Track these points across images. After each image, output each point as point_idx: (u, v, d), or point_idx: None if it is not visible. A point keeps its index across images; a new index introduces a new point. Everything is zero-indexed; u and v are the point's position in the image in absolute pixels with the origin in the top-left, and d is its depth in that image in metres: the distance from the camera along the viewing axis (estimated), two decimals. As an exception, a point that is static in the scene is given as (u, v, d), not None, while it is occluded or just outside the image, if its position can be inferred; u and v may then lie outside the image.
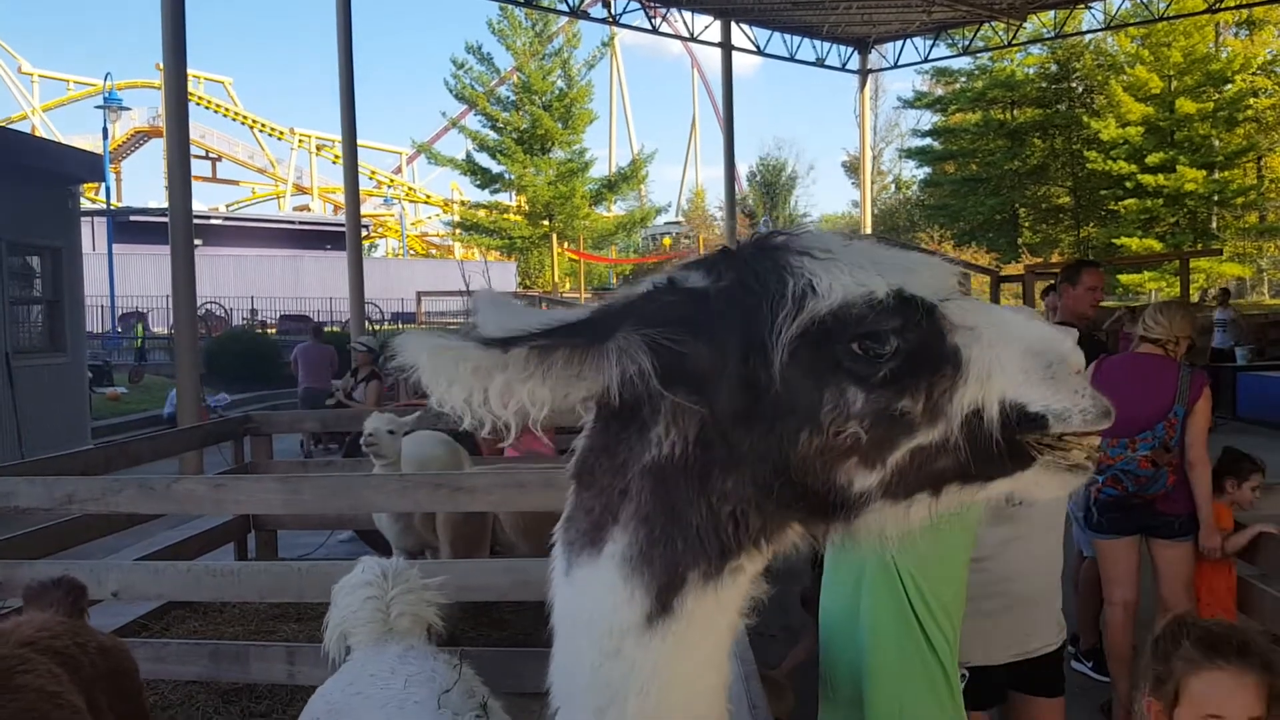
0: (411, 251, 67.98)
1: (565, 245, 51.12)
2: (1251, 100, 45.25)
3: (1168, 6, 28.60)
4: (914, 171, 62.38)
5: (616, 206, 63.26)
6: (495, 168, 52.08)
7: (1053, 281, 10.51)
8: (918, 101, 55.29)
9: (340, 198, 43.10)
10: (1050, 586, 3.77)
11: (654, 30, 28.01)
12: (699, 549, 1.18)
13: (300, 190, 69.02)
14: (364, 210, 42.66)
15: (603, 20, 29.37)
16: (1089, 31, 40.25)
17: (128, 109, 52.05)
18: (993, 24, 29.88)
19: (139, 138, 61.60)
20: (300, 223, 61.69)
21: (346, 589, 3.05)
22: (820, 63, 30.99)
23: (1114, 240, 45.29)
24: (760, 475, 1.18)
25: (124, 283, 40.36)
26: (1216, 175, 45.20)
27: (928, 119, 56.54)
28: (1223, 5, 28.67)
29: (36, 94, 62.81)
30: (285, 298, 46.27)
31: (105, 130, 42.82)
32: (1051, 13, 28.85)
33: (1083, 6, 29.23)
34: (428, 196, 71.10)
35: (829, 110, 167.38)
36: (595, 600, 1.20)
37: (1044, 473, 1.22)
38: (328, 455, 13.29)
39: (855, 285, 1.16)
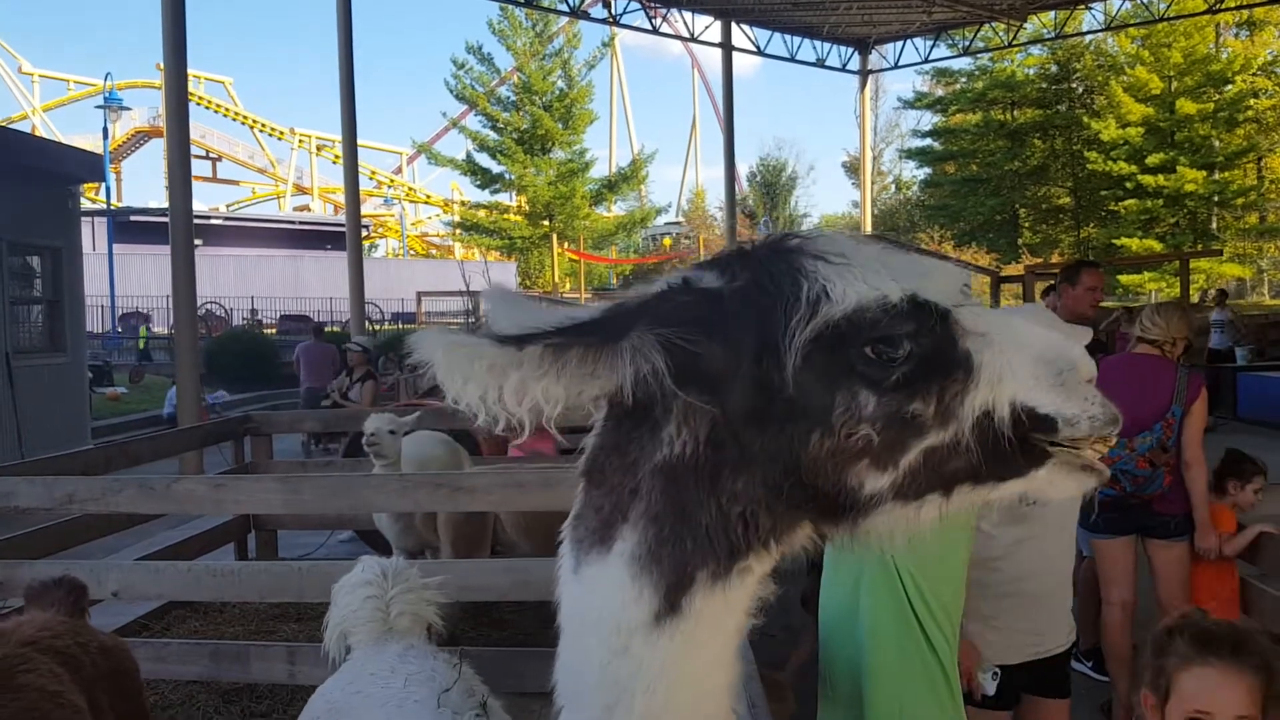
0: (412, 252, 68.01)
1: (565, 245, 51.12)
2: (1252, 101, 45.26)
3: (1168, 7, 28.62)
4: (914, 172, 62.47)
5: (617, 207, 63.28)
6: (495, 168, 52.10)
7: (1052, 282, 10.50)
8: (918, 102, 55.29)
9: (340, 198, 43.12)
10: (1062, 586, 3.79)
11: (654, 30, 28.02)
12: (708, 549, 1.19)
13: (300, 190, 69.04)
14: (364, 210, 42.67)
15: (603, 20, 29.40)
16: (1089, 32, 40.28)
17: (128, 109, 52.09)
18: (993, 25, 29.91)
19: (139, 138, 61.63)
20: (300, 223, 61.71)
21: (346, 588, 3.05)
22: (820, 63, 31.01)
23: (1114, 241, 45.29)
24: (771, 476, 1.19)
25: (124, 283, 40.40)
26: (1217, 176, 45.20)
27: (928, 119, 56.60)
28: (1223, 6, 28.67)
29: (37, 94, 62.86)
30: (285, 298, 46.29)
31: (105, 130, 42.86)
32: (1052, 13, 28.86)
33: (1083, 7, 29.26)
34: (428, 197, 71.12)
35: (829, 111, 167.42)
36: (604, 598, 1.20)
37: (1058, 472, 1.23)
38: (327, 455, 13.31)
39: (869, 290, 1.17)
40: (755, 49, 29.52)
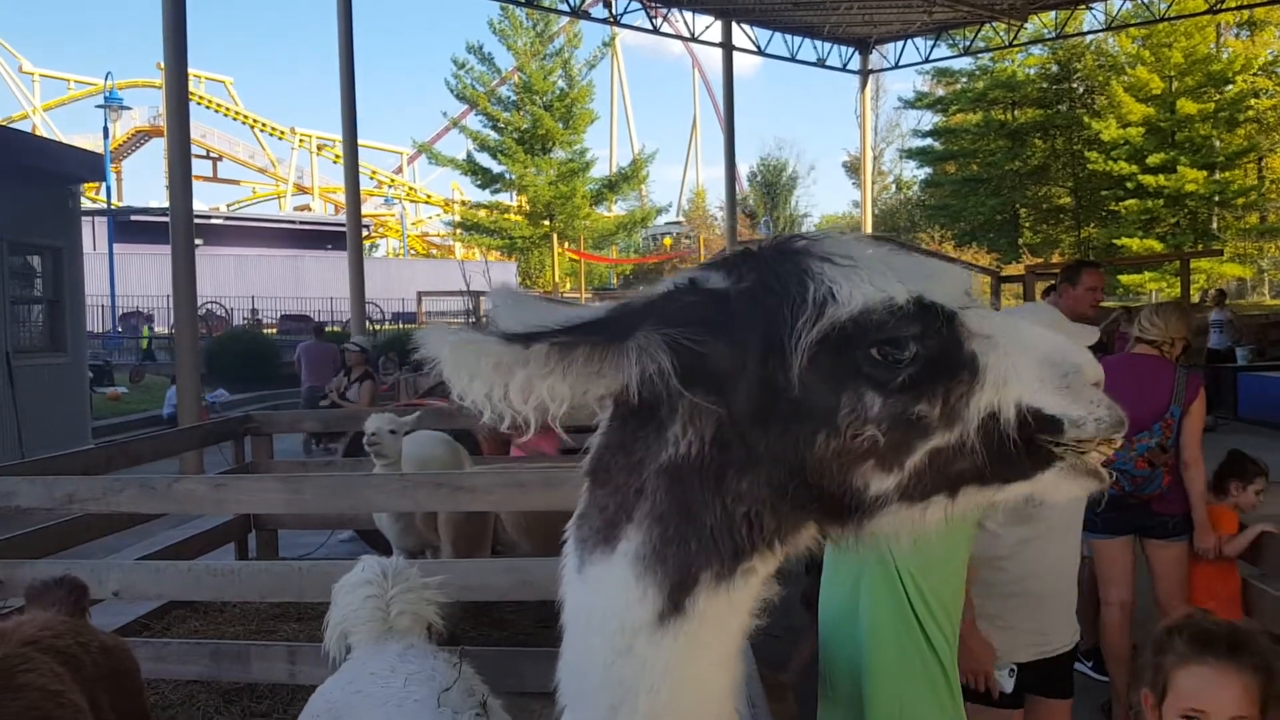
0: (412, 251, 68.03)
1: (566, 245, 51.11)
2: (1252, 101, 45.25)
3: (1168, 7, 28.62)
4: (915, 172, 62.47)
5: (617, 206, 63.27)
6: (496, 168, 52.09)
7: (1053, 282, 10.51)
8: (918, 102, 55.29)
9: (341, 197, 43.18)
10: (1067, 586, 3.79)
11: (655, 30, 28.02)
12: (712, 549, 1.19)
13: (301, 190, 69.06)
14: (365, 210, 42.71)
15: (604, 20, 29.42)
16: (1090, 32, 40.29)
17: (128, 108, 52.03)
18: (994, 24, 29.91)
19: (140, 137, 61.65)
20: (301, 222, 61.73)
21: (347, 588, 3.06)
22: (821, 63, 31.02)
23: (1115, 241, 45.29)
24: (776, 477, 1.19)
25: (124, 282, 40.41)
26: (1217, 176, 45.18)
27: (928, 119, 56.59)
28: (1223, 6, 28.68)
29: (37, 93, 62.88)
30: (286, 297, 46.26)
31: (106, 130, 42.82)
32: (1052, 13, 28.86)
33: (1084, 7, 29.26)
34: (428, 196, 71.13)
35: (830, 110, 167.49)
36: (608, 598, 1.21)
37: (1062, 475, 1.23)
38: (327, 455, 13.30)
39: (875, 292, 1.17)
40: (756, 49, 29.54)
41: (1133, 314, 6.70)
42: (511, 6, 43.51)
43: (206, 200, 64.39)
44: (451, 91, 50.79)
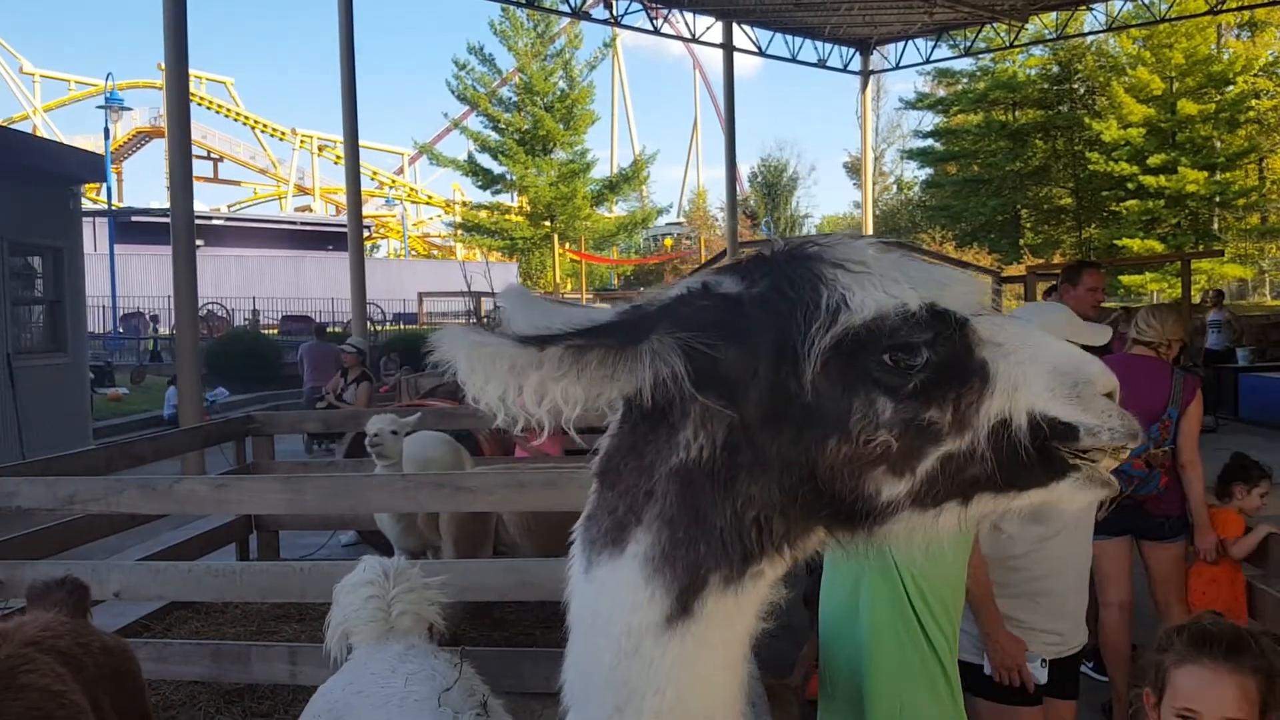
0: (413, 252, 68.05)
1: (567, 246, 51.13)
2: (1253, 102, 45.24)
3: (1169, 8, 28.57)
4: (916, 172, 62.48)
5: (618, 207, 63.28)
6: (497, 168, 52.09)
7: (1054, 283, 10.50)
8: (919, 103, 55.28)
9: (342, 198, 43.21)
10: (1081, 586, 3.80)
11: (655, 31, 28.00)
12: (721, 552, 1.19)
13: (302, 191, 69.05)
14: (366, 211, 42.73)
15: (604, 21, 29.41)
16: (1090, 33, 40.26)
17: (129, 109, 52.06)
18: (994, 25, 29.87)
19: (140, 138, 61.64)
20: (302, 223, 61.74)
21: (348, 588, 3.06)
22: (822, 64, 30.98)
23: (1116, 241, 45.28)
24: (786, 481, 1.19)
25: (125, 283, 40.39)
26: (1218, 176, 45.14)
27: (929, 120, 56.59)
28: (1224, 7, 28.64)
29: (38, 94, 62.85)
30: (287, 298, 46.26)
31: (107, 130, 42.82)
32: (1053, 14, 28.83)
33: (1084, 8, 29.25)
34: (429, 197, 71.14)
35: (830, 111, 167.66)
36: (615, 599, 1.21)
37: (1076, 484, 1.24)
38: (326, 455, 13.31)
39: (888, 298, 1.18)
40: (756, 50, 29.50)
41: (1131, 315, 6.71)
42: (512, 7, 43.49)
43: (207, 201, 64.48)
44: (452, 92, 50.88)
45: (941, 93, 54.20)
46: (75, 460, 7.35)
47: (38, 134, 45.22)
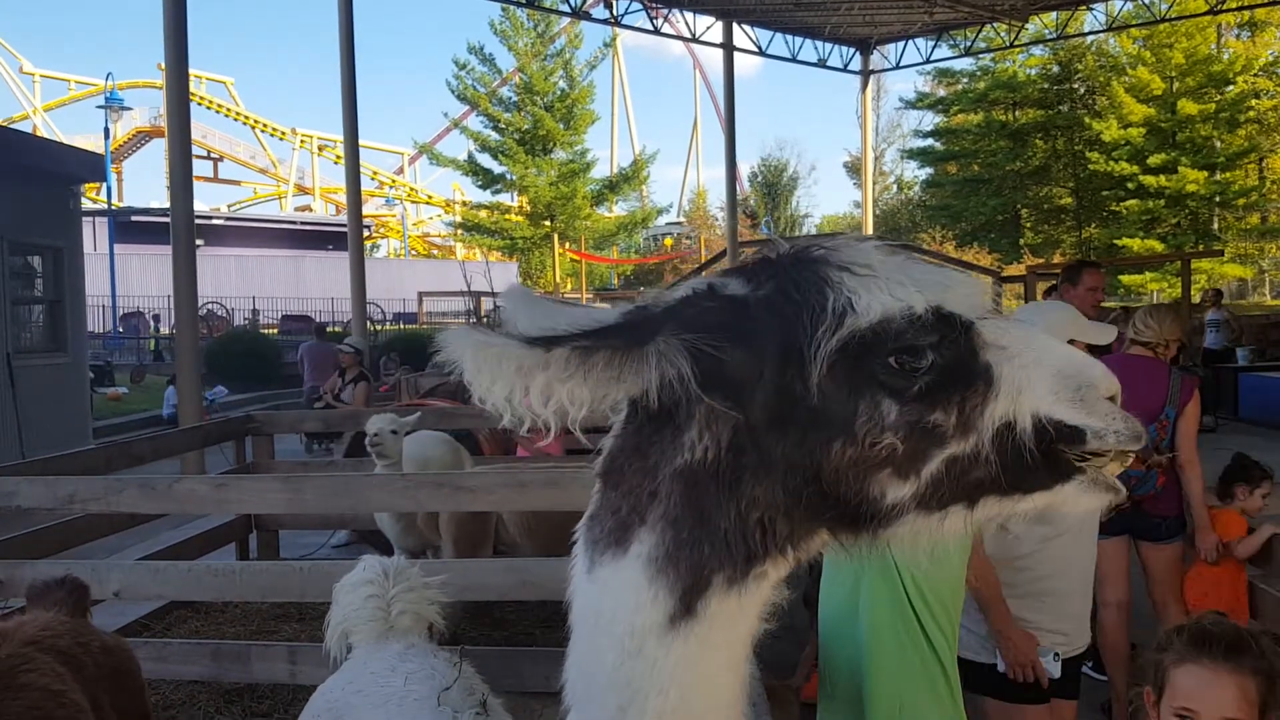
0: (413, 252, 68.06)
1: (567, 246, 51.11)
2: (1253, 101, 45.26)
3: (1169, 8, 28.57)
4: (916, 172, 62.49)
5: (618, 207, 63.27)
6: (497, 168, 52.09)
7: (1054, 282, 10.50)
8: (919, 102, 55.28)
9: (342, 198, 43.20)
10: (1085, 585, 3.80)
11: (656, 31, 27.99)
12: (725, 553, 1.19)
13: (302, 190, 69.08)
14: (366, 211, 42.74)
15: (604, 21, 29.39)
16: (1091, 33, 40.26)
17: (129, 109, 52.06)
18: (994, 25, 29.87)
19: (140, 138, 61.66)
20: (302, 223, 61.75)
21: (348, 587, 3.06)
22: (822, 63, 30.97)
23: (1116, 241, 45.29)
24: (791, 483, 1.19)
25: (125, 283, 40.41)
26: (1218, 176, 45.17)
27: (929, 120, 56.59)
28: (1224, 7, 28.64)
29: (38, 94, 62.87)
30: (287, 298, 46.28)
31: (107, 130, 42.84)
32: (1053, 14, 28.82)
33: (1084, 8, 29.25)
34: (429, 197, 71.15)
35: (831, 111, 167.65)
36: (618, 600, 1.21)
37: (1082, 487, 1.24)
38: (325, 455, 13.30)
39: (894, 301, 1.18)
40: (757, 49, 29.49)
41: (1130, 314, 6.72)
42: (512, 7, 43.49)
43: (207, 201, 64.53)
44: (452, 92, 50.87)
45: (942, 92, 54.21)
46: (75, 460, 7.35)
47: (38, 134, 45.26)
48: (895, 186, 68.62)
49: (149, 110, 58.54)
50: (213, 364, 23.91)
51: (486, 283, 20.19)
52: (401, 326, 39.31)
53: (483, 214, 54.41)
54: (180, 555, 7.55)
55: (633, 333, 1.17)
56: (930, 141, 55.26)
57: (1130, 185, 45.53)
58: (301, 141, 66.86)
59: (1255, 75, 45.40)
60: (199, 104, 57.24)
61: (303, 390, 16.89)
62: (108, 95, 41.51)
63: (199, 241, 16.63)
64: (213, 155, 64.83)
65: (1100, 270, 6.77)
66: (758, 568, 1.21)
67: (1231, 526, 5.43)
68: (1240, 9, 31.82)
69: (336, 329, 29.84)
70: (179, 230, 13.26)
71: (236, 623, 7.30)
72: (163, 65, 14.14)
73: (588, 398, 1.15)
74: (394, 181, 69.72)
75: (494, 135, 51.46)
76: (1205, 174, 44.06)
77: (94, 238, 38.56)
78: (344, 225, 26.91)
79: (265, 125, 66.19)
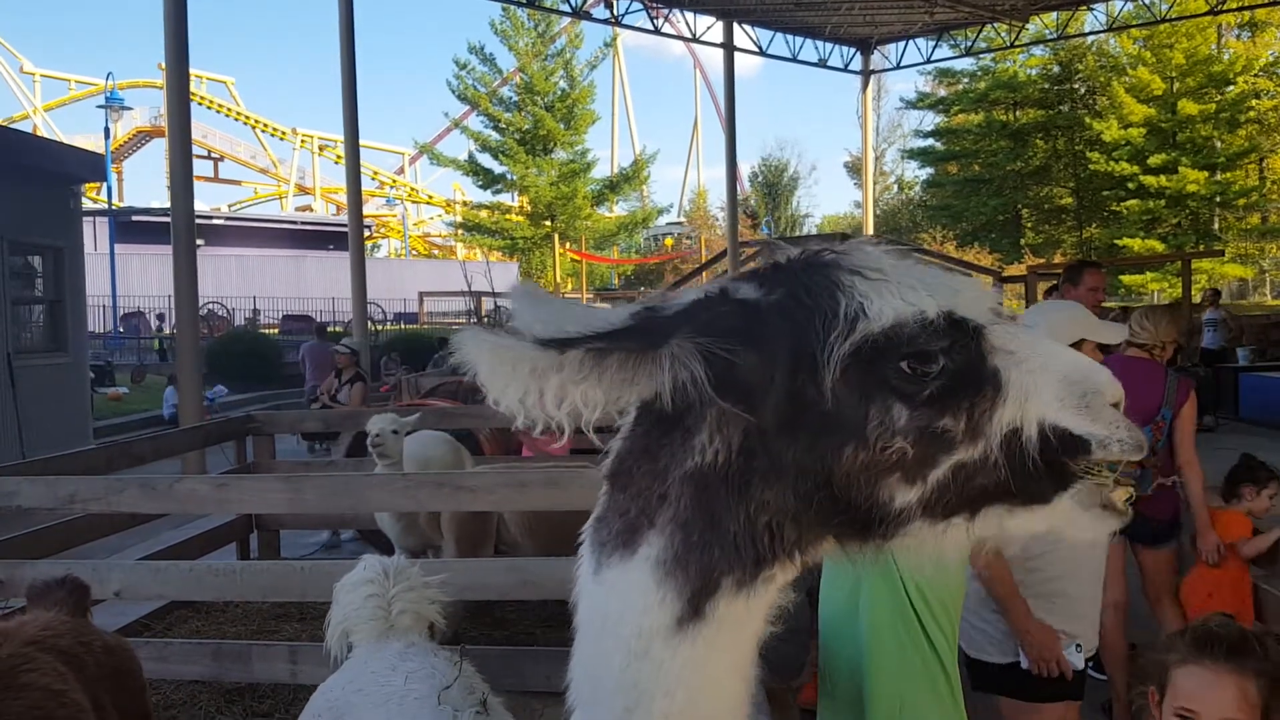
0: (414, 252, 68.06)
1: (567, 246, 51.16)
2: (1253, 102, 45.26)
3: (1170, 8, 28.57)
4: (916, 172, 62.52)
5: (618, 207, 63.29)
6: (497, 168, 52.13)
7: (1055, 282, 10.51)
8: (920, 102, 55.29)
9: (342, 198, 43.17)
10: (1094, 588, 3.79)
11: (656, 31, 27.99)
12: (735, 556, 1.20)
13: (302, 190, 69.09)
14: (366, 210, 42.73)
15: (605, 21, 29.40)
16: (1091, 33, 40.26)
17: (129, 109, 52.01)
18: (995, 25, 29.89)
19: (141, 137, 61.67)
20: (302, 223, 61.74)
21: (348, 587, 3.06)
22: (823, 63, 30.99)
23: (1116, 241, 45.30)
24: (801, 487, 1.20)
25: (125, 283, 40.41)
26: (1218, 176, 45.18)
27: (930, 120, 56.59)
28: (1225, 7, 28.65)
29: (38, 93, 62.89)
30: (287, 298, 46.28)
31: (107, 130, 42.82)
32: (1054, 14, 28.83)
33: (1085, 8, 29.26)
34: (430, 197, 71.17)
35: (831, 111, 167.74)
36: (625, 602, 1.21)
37: (1080, 505, 1.24)
38: (323, 455, 13.31)
39: (906, 306, 1.18)
40: (757, 49, 29.50)
41: (1127, 314, 6.73)
42: (513, 7, 43.50)
43: (208, 200, 64.54)
44: (453, 92, 50.94)
45: (942, 92, 54.21)
46: (75, 460, 7.35)
47: (38, 133, 45.27)
48: (896, 186, 68.64)
49: (149, 110, 58.56)
50: (213, 364, 23.93)
51: (487, 283, 20.21)
52: (402, 326, 39.34)
53: (483, 214, 54.44)
54: (181, 555, 7.55)
55: (647, 335, 1.17)
56: (931, 141, 55.26)
57: (1131, 185, 45.54)
58: (302, 141, 66.88)
59: (1255, 75, 45.41)
60: (199, 104, 57.27)
61: (305, 390, 16.89)
62: (108, 95, 41.49)
63: (199, 241, 16.61)
64: (213, 155, 64.85)
65: (1101, 270, 6.77)
66: (766, 571, 1.22)
67: (1234, 527, 5.42)
68: (1240, 9, 31.84)
69: (337, 329, 29.85)
70: (179, 230, 13.27)
71: (237, 622, 7.30)
72: (163, 65, 14.16)
73: (601, 399, 1.15)
74: (395, 181, 69.74)
75: (494, 135, 51.50)
76: (1206, 174, 44.07)
77: (94, 237, 38.54)
78: (345, 225, 26.92)
79: (266, 125, 66.21)
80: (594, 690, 1.25)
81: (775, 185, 71.57)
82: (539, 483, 5.34)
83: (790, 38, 29.40)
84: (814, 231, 63.89)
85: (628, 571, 1.21)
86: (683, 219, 72.55)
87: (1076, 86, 51.35)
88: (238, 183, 69.89)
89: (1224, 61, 44.94)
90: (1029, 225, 53.42)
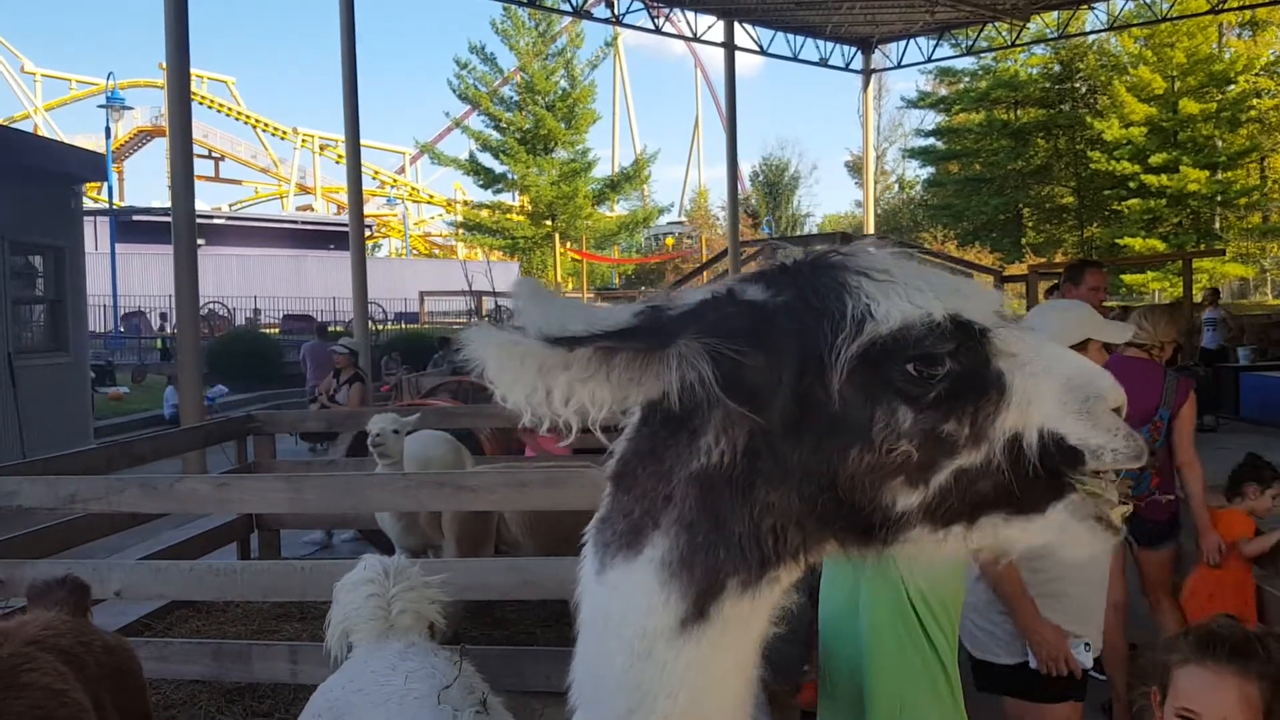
0: (414, 251, 68.09)
1: (568, 245, 51.16)
2: (1254, 101, 45.21)
3: (1171, 7, 28.56)
4: (917, 171, 62.49)
5: (619, 206, 63.29)
6: (498, 168, 52.12)
7: (1056, 281, 10.51)
8: (921, 101, 55.26)
9: (343, 197, 43.19)
10: (1100, 589, 3.78)
11: (657, 30, 27.99)
12: (740, 558, 1.20)
13: (303, 190, 69.12)
14: (367, 210, 42.76)
15: (606, 20, 29.39)
16: (1092, 32, 40.24)
17: (130, 108, 52.13)
18: (996, 24, 29.88)
19: (142, 137, 61.73)
20: (303, 222, 61.80)
21: (348, 587, 3.06)
22: (824, 62, 30.98)
23: (1117, 240, 45.27)
24: (806, 489, 1.20)
25: (126, 282, 40.43)
26: (1220, 176, 45.15)
27: (931, 119, 56.56)
28: (1226, 6, 28.63)
29: (39, 93, 62.94)
30: (288, 297, 46.31)
31: (108, 129, 42.88)
32: (1055, 13, 28.83)
33: (1086, 7, 29.21)
34: (431, 196, 71.17)
35: (832, 110, 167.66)
36: (629, 602, 1.21)
37: (1075, 518, 1.23)
38: (322, 455, 13.30)
39: (913, 308, 1.18)
40: (758, 48, 29.50)
41: (1127, 313, 6.73)
42: (514, 6, 43.49)
43: (209, 200, 64.55)
44: (454, 91, 50.91)
45: (943, 92, 54.17)
46: (76, 459, 7.36)
47: (39, 133, 45.29)
48: (897, 186, 68.64)
49: (150, 109, 58.63)
50: (214, 363, 23.95)
51: (488, 282, 20.20)
52: (403, 326, 39.36)
53: (484, 213, 54.44)
54: (181, 555, 7.55)
55: (654, 335, 1.17)
56: (932, 141, 55.25)
57: (1132, 184, 45.51)
58: (303, 141, 66.92)
59: (1256, 75, 45.36)
60: (200, 103, 57.29)
61: (306, 390, 16.88)
62: (109, 95, 41.56)
63: (200, 241, 16.62)
64: (214, 155, 64.88)
65: (1102, 269, 6.77)
66: (772, 572, 1.22)
67: (1235, 526, 5.41)
68: (1241, 8, 31.79)
69: (338, 329, 29.85)
70: (180, 230, 13.26)
71: (238, 622, 7.30)
72: (164, 65, 14.17)
73: (608, 398, 1.15)
74: (395, 181, 69.77)
75: (495, 135, 51.50)
76: (1207, 173, 44.03)
77: (95, 237, 38.55)
78: (345, 225, 26.89)
79: (267, 125, 66.24)
80: (596, 690, 1.25)
81: (776, 184, 71.57)
82: (539, 483, 5.34)
83: (791, 37, 29.40)
84: (815, 231, 63.94)
85: (632, 572, 1.21)
86: (683, 218, 72.56)
87: (1077, 86, 51.33)
88: (238, 182, 69.99)
89: (1225, 60, 44.91)
90: (1030, 224, 53.41)
